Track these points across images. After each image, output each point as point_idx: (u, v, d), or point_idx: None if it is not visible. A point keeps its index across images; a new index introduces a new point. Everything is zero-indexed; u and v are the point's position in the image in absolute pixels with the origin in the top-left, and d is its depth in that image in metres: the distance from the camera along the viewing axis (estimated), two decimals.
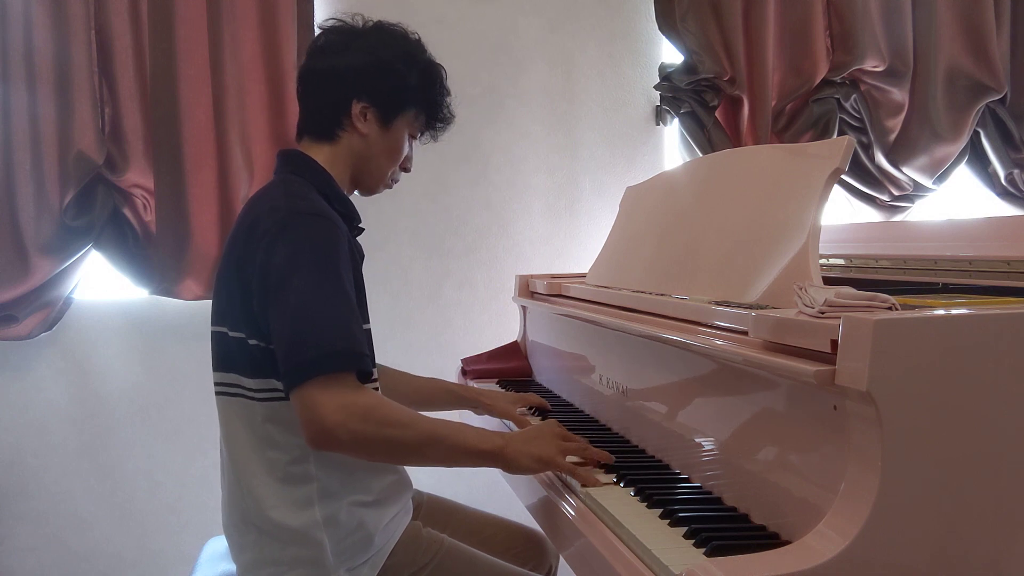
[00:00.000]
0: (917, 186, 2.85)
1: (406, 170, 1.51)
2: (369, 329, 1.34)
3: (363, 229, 1.45)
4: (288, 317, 1.18)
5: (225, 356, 1.31)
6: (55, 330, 2.34)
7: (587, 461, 1.35)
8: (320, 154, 1.40)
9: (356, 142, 1.41)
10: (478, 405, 1.71)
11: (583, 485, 1.28)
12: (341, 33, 1.43)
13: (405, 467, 1.43)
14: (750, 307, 1.19)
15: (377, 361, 1.62)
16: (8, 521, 2.36)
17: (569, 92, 2.72)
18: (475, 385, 2.14)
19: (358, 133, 1.40)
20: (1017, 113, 2.87)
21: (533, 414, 1.77)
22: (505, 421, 1.71)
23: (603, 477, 1.32)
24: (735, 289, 1.35)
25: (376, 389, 1.37)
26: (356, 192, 1.48)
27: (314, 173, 1.37)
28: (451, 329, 2.62)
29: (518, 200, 2.68)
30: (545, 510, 1.36)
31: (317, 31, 1.49)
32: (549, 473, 1.41)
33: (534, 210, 2.69)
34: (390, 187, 1.50)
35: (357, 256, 1.35)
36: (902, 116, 2.80)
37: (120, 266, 2.34)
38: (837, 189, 2.48)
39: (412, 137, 1.48)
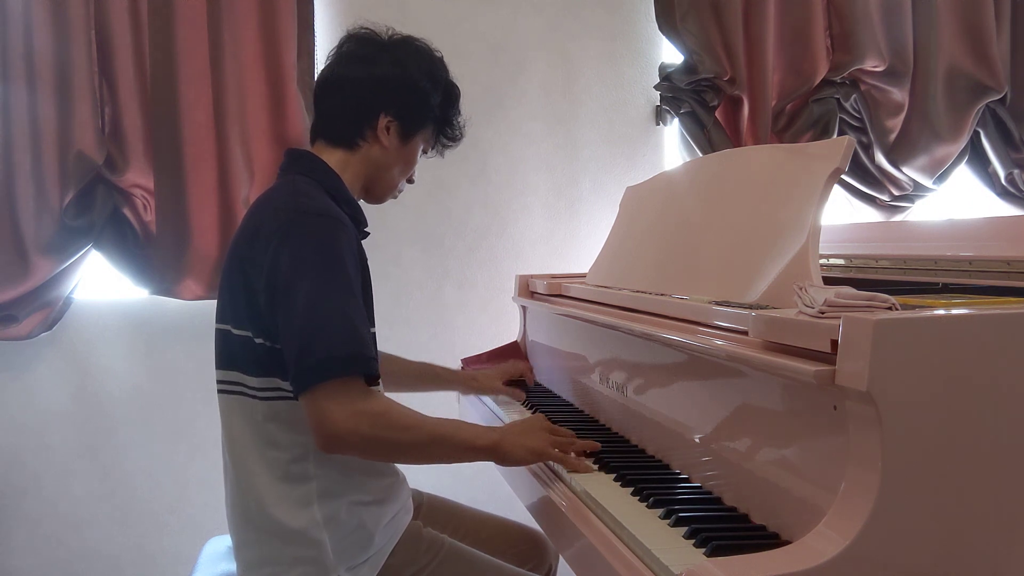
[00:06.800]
0: (917, 186, 2.84)
1: (411, 182, 1.54)
2: (375, 333, 1.35)
3: (368, 233, 1.46)
4: (297, 320, 1.19)
5: (228, 354, 1.31)
6: (55, 330, 2.34)
7: (575, 452, 1.42)
8: (333, 158, 1.41)
9: (375, 152, 1.43)
10: (466, 387, 1.83)
11: (572, 470, 1.35)
12: (369, 43, 1.44)
13: (402, 467, 1.43)
14: (750, 307, 1.19)
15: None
16: (8, 521, 2.36)
17: (569, 92, 2.72)
18: None
19: (379, 144, 1.42)
20: (1017, 113, 2.87)
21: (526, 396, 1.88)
22: (495, 397, 1.86)
23: (603, 477, 1.33)
24: (735, 289, 1.35)
25: (379, 387, 1.37)
26: (363, 200, 1.50)
27: (324, 175, 1.38)
28: (451, 329, 2.62)
29: (518, 200, 2.68)
30: (545, 510, 1.36)
31: (324, 33, 1.50)
32: (549, 472, 1.42)
33: (534, 210, 2.69)
34: (396, 197, 1.53)
35: (364, 257, 1.35)
36: (902, 116, 2.80)
37: (120, 266, 2.34)
38: (837, 189, 2.48)
39: (424, 152, 1.51)
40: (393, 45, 1.45)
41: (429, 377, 1.80)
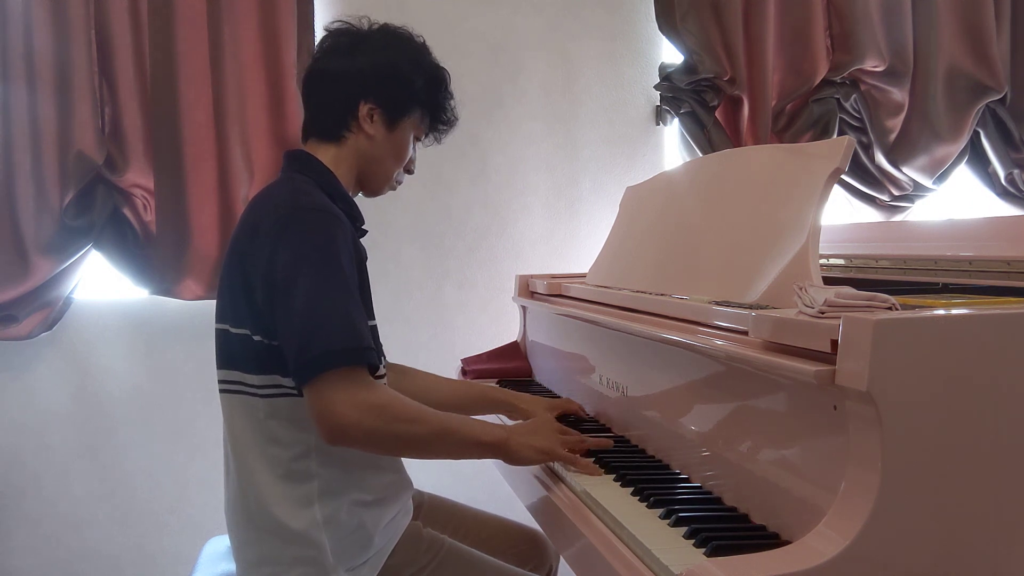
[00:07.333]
0: (917, 186, 2.84)
1: (409, 172, 1.52)
2: (375, 325, 1.35)
3: (366, 231, 1.46)
4: (296, 315, 1.19)
5: (228, 353, 1.32)
6: (55, 330, 2.34)
7: (587, 449, 1.41)
8: (326, 155, 1.41)
9: (362, 143, 1.42)
10: (514, 410, 1.67)
11: (585, 472, 1.33)
12: (347, 35, 1.44)
13: (404, 467, 1.43)
14: (750, 307, 1.19)
15: (397, 363, 1.64)
16: (7, 522, 2.36)
17: (569, 92, 2.72)
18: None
19: (364, 134, 1.41)
20: (1017, 113, 2.87)
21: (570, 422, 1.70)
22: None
23: (603, 477, 1.33)
24: (735, 289, 1.35)
25: (383, 382, 1.38)
26: (360, 194, 1.49)
27: (318, 173, 1.38)
28: (451, 329, 2.62)
29: (518, 200, 2.68)
30: (545, 510, 1.36)
31: (322, 32, 1.50)
32: (549, 472, 1.42)
33: (534, 210, 2.69)
34: (394, 188, 1.52)
35: (362, 253, 1.35)
36: (902, 116, 2.80)
37: (120, 266, 2.34)
38: (837, 189, 2.48)
39: (416, 139, 1.49)
40: (370, 34, 1.44)
41: (477, 399, 1.67)
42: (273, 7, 2.36)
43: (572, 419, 1.66)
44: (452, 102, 1.50)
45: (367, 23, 1.46)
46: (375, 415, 1.18)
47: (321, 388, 1.16)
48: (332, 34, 1.46)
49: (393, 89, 1.41)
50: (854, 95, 2.76)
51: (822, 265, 1.39)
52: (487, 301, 2.65)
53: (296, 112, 2.38)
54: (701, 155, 2.62)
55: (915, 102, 2.80)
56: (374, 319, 1.36)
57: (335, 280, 1.21)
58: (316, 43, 1.48)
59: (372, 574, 1.32)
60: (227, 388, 1.32)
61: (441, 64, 1.48)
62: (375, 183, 1.47)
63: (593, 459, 1.40)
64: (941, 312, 0.93)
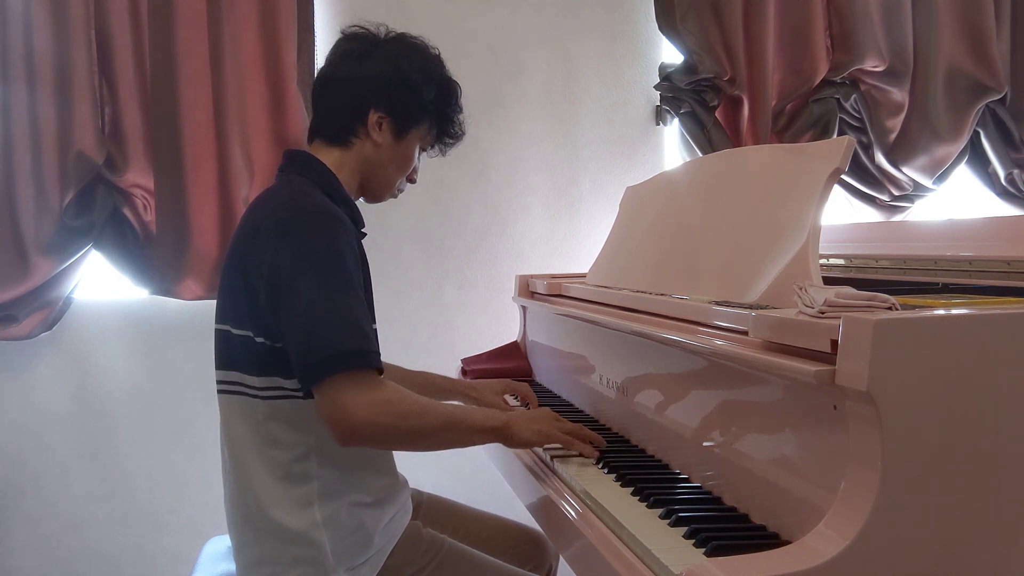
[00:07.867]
0: (917, 186, 2.84)
1: (412, 181, 1.52)
2: (375, 329, 1.35)
3: (366, 234, 1.46)
4: (299, 318, 1.19)
5: (228, 354, 1.31)
6: (55, 330, 2.34)
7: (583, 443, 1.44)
8: (329, 157, 1.41)
9: (368, 150, 1.42)
10: (466, 398, 1.76)
11: (577, 453, 1.40)
12: (363, 41, 1.44)
13: (402, 468, 1.43)
14: (750, 307, 1.19)
15: None
16: (7, 522, 2.36)
17: (569, 92, 2.72)
18: None
19: (371, 141, 1.41)
20: (1017, 113, 2.87)
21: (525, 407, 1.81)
22: None
23: (603, 477, 1.34)
24: (735, 289, 1.35)
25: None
26: (362, 199, 1.50)
27: (320, 175, 1.38)
28: (451, 329, 2.62)
29: (518, 200, 2.68)
30: (545, 510, 1.37)
31: (325, 32, 1.50)
32: (548, 470, 1.42)
33: (534, 210, 2.69)
34: (396, 196, 1.52)
35: (364, 256, 1.35)
36: (902, 116, 2.80)
37: (120, 266, 2.34)
38: (837, 189, 2.48)
39: (422, 150, 1.50)
40: (386, 42, 1.44)
41: (429, 388, 1.75)
42: (273, 7, 2.36)
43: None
44: (461, 116, 1.50)
45: (384, 30, 1.46)
46: (387, 412, 1.19)
47: (331, 390, 1.17)
48: (347, 38, 1.45)
49: (404, 100, 1.42)
50: (854, 95, 2.76)
51: (822, 265, 1.39)
52: (487, 301, 2.65)
53: (296, 113, 2.38)
54: (701, 155, 2.62)
55: (915, 102, 2.80)
56: (374, 323, 1.36)
57: (337, 280, 1.21)
58: (331, 45, 1.47)
59: (372, 574, 1.32)
60: (226, 389, 1.32)
61: (453, 77, 1.48)
62: (377, 190, 1.48)
63: (595, 459, 1.41)
64: (941, 312, 0.93)
